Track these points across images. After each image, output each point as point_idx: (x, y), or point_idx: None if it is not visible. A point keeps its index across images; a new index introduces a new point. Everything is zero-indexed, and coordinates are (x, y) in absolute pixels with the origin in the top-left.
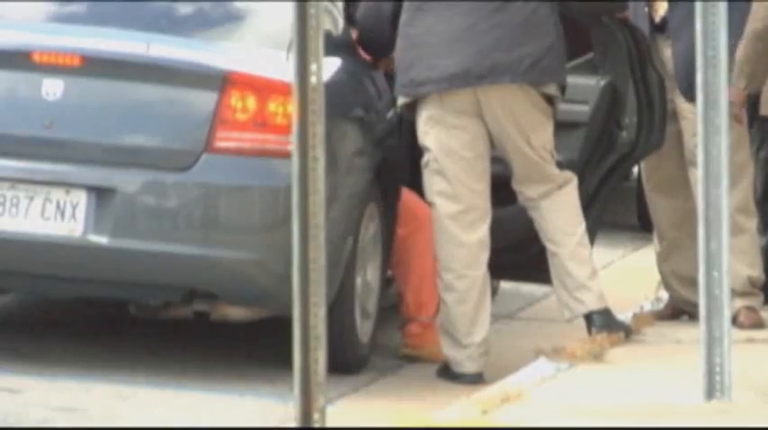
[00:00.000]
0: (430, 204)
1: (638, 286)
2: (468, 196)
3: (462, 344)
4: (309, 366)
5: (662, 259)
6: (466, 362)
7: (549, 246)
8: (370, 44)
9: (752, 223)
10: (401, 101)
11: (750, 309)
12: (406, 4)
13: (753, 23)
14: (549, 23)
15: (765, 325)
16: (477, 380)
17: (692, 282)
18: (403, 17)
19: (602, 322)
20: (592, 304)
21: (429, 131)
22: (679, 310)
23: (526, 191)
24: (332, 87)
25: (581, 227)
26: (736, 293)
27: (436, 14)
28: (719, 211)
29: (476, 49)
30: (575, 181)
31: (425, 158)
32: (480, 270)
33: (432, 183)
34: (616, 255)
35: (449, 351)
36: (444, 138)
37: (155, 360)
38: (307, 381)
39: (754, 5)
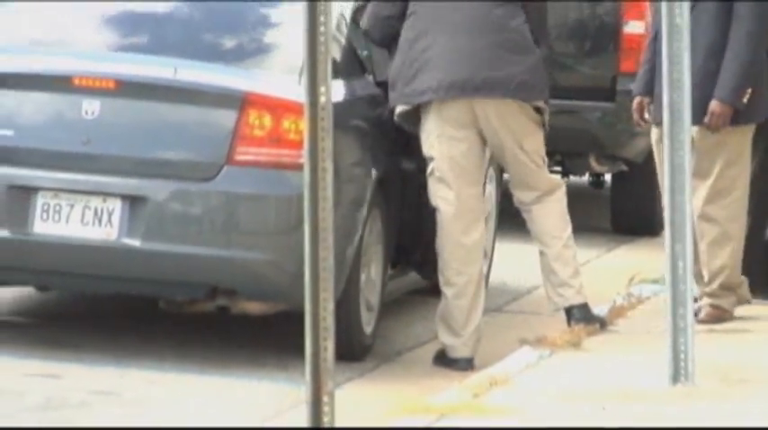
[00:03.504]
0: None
1: (612, 283)
2: (466, 201)
3: (458, 333)
4: (319, 354)
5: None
6: (461, 348)
7: (538, 246)
8: (373, 38)
9: (741, 232)
10: (400, 109)
11: (715, 306)
12: (406, 28)
13: None
14: (533, 49)
15: (727, 319)
16: (469, 364)
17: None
18: (403, 36)
19: (580, 315)
20: (572, 299)
21: (433, 144)
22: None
23: (520, 195)
24: (339, 105)
25: (567, 230)
26: (706, 293)
27: (435, 36)
28: (683, 216)
29: (471, 64)
30: (563, 187)
31: (430, 167)
32: (476, 267)
33: (436, 189)
34: (591, 256)
35: (446, 338)
36: (445, 148)
37: (181, 349)
38: (317, 368)
39: None
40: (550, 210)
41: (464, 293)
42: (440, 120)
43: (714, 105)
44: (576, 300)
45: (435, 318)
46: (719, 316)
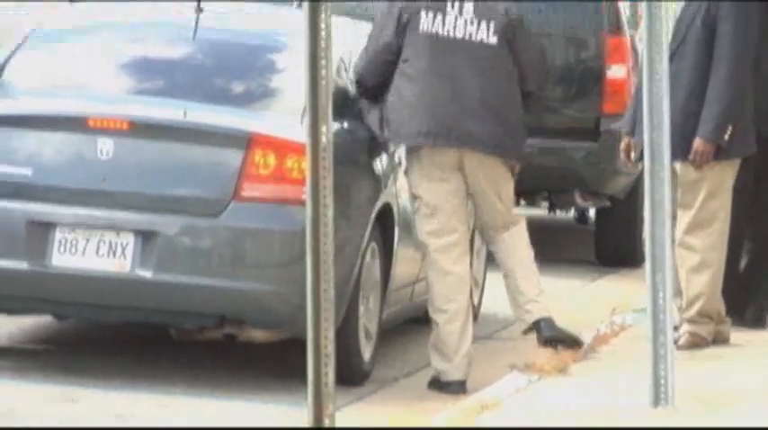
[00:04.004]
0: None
1: (596, 312)
2: (454, 235)
3: (450, 358)
4: (321, 379)
5: (676, 294)
6: (453, 372)
7: (506, 272)
8: (365, 84)
9: (720, 262)
10: (396, 146)
11: (692, 333)
12: (399, 73)
13: None
14: (516, 107)
15: (703, 346)
16: (461, 386)
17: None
18: (397, 80)
19: (548, 328)
20: (539, 313)
21: (420, 184)
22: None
23: (489, 230)
24: (339, 145)
25: (531, 255)
26: (685, 319)
27: (427, 81)
28: (663, 249)
29: (459, 115)
30: (524, 221)
31: (417, 205)
32: (465, 295)
33: (423, 224)
34: (577, 286)
35: (438, 364)
36: (434, 188)
37: (191, 374)
38: (318, 391)
39: None
40: (518, 238)
41: (454, 319)
42: (429, 164)
43: (698, 143)
44: (543, 314)
45: (428, 345)
46: (697, 343)
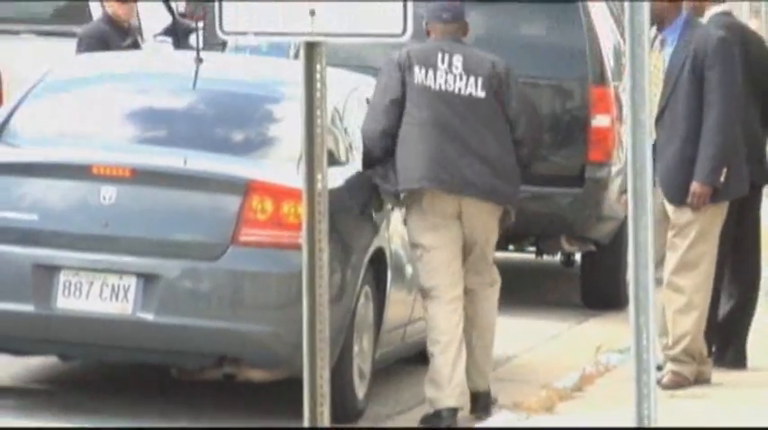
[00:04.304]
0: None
1: (581, 353)
2: (453, 278)
3: (443, 386)
4: (316, 417)
5: (661, 335)
6: (445, 399)
7: (469, 330)
8: (374, 156)
9: (705, 303)
10: (396, 190)
11: (675, 373)
12: (403, 122)
13: None
14: (509, 155)
15: (686, 385)
16: (453, 414)
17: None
18: (401, 131)
19: (484, 403)
20: (482, 388)
21: (422, 232)
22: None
23: (469, 279)
24: (334, 191)
25: (495, 322)
26: (669, 357)
27: (429, 130)
28: (647, 291)
29: (456, 164)
30: (499, 282)
31: (418, 253)
32: (459, 329)
33: (425, 270)
34: (563, 328)
35: (431, 393)
36: (435, 235)
37: (191, 412)
38: (314, 429)
39: None
40: (494, 300)
41: (448, 350)
42: (430, 211)
43: (695, 186)
44: (485, 389)
45: (425, 381)
46: (680, 382)
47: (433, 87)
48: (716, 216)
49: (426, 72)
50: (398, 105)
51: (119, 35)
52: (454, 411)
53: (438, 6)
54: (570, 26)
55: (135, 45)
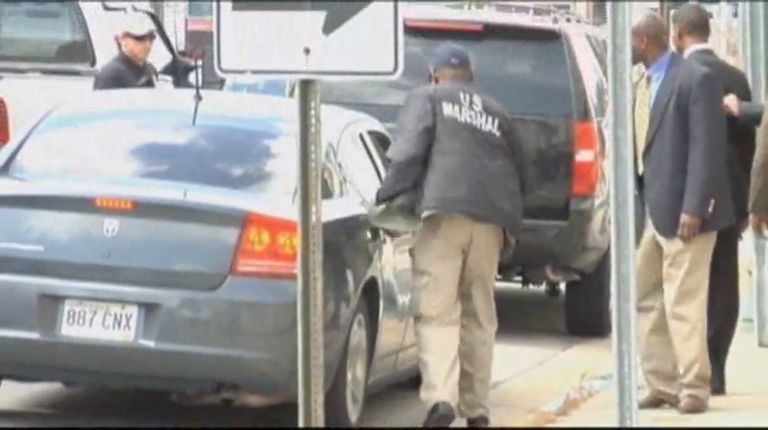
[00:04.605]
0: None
1: (566, 378)
2: (450, 306)
3: (437, 387)
4: None
5: (644, 360)
6: (438, 395)
7: (465, 366)
8: (404, 187)
9: (704, 329)
10: (427, 213)
11: (693, 396)
12: (433, 151)
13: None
14: (518, 189)
15: (702, 409)
16: (448, 409)
17: (670, 378)
18: (434, 158)
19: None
20: (478, 413)
21: (432, 261)
22: (659, 400)
23: (474, 319)
24: (328, 224)
25: (492, 357)
26: (684, 385)
27: (460, 158)
28: (629, 320)
29: (481, 191)
30: (496, 324)
31: (424, 280)
32: (454, 350)
33: (428, 297)
34: (549, 354)
35: (424, 395)
36: (444, 266)
37: None
38: None
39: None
40: (492, 339)
41: (444, 361)
42: (444, 242)
43: (685, 218)
44: (484, 414)
45: (419, 391)
46: (697, 406)
47: (460, 120)
48: (706, 244)
49: (453, 106)
50: (430, 134)
51: (134, 74)
52: (448, 406)
53: (447, 53)
54: (555, 65)
55: (149, 83)
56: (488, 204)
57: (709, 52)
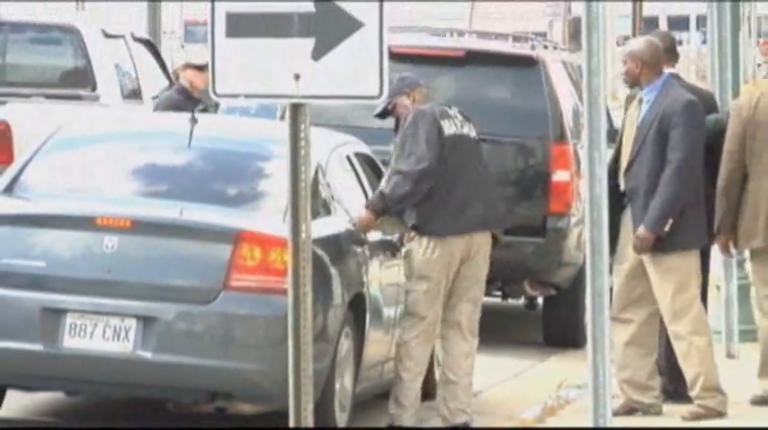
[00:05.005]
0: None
1: (544, 387)
2: (439, 316)
3: (407, 409)
4: None
5: (619, 369)
6: (406, 420)
7: (449, 375)
8: (412, 200)
9: (706, 342)
10: (450, 238)
11: (702, 406)
12: (437, 177)
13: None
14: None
15: (712, 416)
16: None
17: (643, 388)
18: (439, 183)
19: None
20: (462, 420)
21: (435, 268)
22: (632, 409)
23: (460, 330)
24: (317, 240)
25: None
26: (694, 398)
27: (463, 186)
28: (603, 331)
29: (492, 203)
30: (477, 339)
31: (425, 286)
32: (426, 364)
33: (428, 302)
34: (527, 365)
35: (394, 410)
36: (443, 273)
37: None
38: None
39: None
40: (474, 351)
41: (418, 378)
42: (449, 250)
43: (640, 231)
44: (466, 420)
45: (390, 397)
46: (705, 414)
47: (457, 133)
48: (689, 262)
49: (449, 123)
50: (440, 151)
51: (191, 104)
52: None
53: (410, 78)
54: (533, 89)
55: (205, 112)
56: (492, 212)
57: (676, 76)
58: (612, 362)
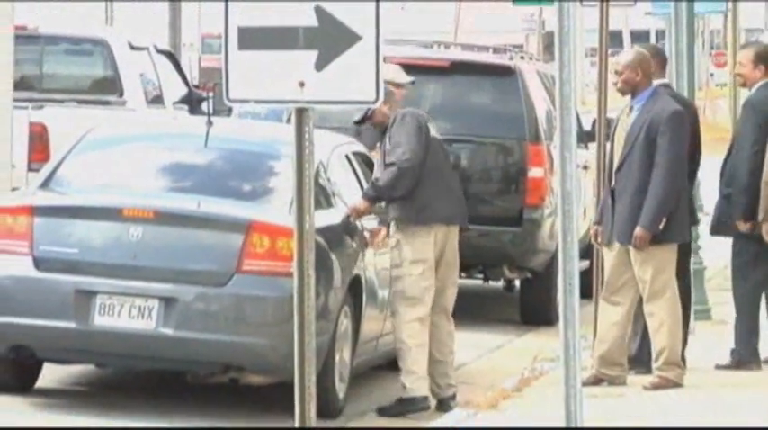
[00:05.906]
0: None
1: (520, 360)
2: (431, 298)
3: (422, 378)
4: (305, 413)
5: (599, 342)
6: (422, 390)
7: (437, 355)
8: (403, 191)
9: (675, 322)
10: (439, 227)
11: (661, 377)
12: (428, 167)
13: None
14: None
15: (670, 386)
16: (427, 400)
17: (612, 363)
18: (428, 172)
19: (447, 403)
20: (451, 392)
21: (428, 250)
22: (600, 379)
23: (444, 311)
24: (320, 229)
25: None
26: (656, 368)
27: (445, 178)
28: (573, 311)
29: (460, 199)
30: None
31: (420, 269)
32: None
33: (423, 282)
34: (506, 340)
35: (410, 382)
36: (434, 255)
37: (203, 408)
38: (303, 423)
39: None
40: (454, 333)
41: (424, 348)
42: (439, 238)
43: (638, 231)
44: (453, 392)
45: (402, 372)
46: (663, 384)
47: (437, 135)
48: (668, 252)
49: (431, 125)
50: (425, 149)
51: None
52: (427, 398)
53: (386, 87)
54: (511, 95)
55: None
56: (461, 208)
57: (667, 86)
58: (585, 338)
